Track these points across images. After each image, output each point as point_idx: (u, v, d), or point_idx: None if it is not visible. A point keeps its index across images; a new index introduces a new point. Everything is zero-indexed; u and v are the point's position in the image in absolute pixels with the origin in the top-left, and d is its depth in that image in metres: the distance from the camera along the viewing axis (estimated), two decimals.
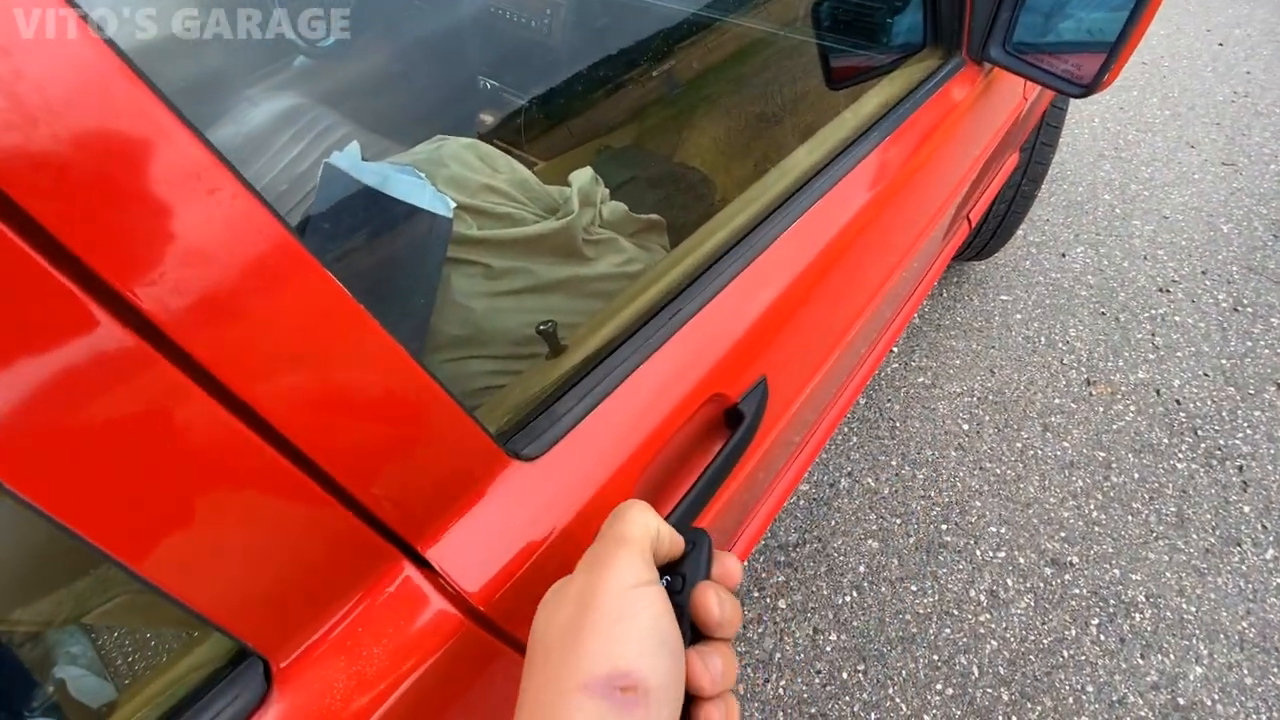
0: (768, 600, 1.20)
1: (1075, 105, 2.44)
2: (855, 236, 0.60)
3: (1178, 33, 2.92)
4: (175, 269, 0.20)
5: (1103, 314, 1.69)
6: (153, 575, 0.22)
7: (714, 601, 0.29)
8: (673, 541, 0.31)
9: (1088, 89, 0.68)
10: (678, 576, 0.30)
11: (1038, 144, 1.35)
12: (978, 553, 1.26)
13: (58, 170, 0.18)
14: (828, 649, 1.15)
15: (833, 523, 1.30)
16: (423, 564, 0.32)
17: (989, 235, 1.51)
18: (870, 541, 1.28)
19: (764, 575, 1.23)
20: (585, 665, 0.24)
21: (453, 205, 0.64)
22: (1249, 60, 2.75)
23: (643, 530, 0.29)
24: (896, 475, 1.37)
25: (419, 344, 0.61)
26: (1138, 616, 1.18)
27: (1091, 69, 0.67)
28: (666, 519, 0.44)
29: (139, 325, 0.20)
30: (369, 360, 0.27)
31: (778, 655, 1.14)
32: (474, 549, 0.33)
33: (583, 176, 0.79)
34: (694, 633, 0.29)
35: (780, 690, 1.10)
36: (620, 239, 0.82)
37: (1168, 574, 1.23)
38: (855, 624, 1.17)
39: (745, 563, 1.24)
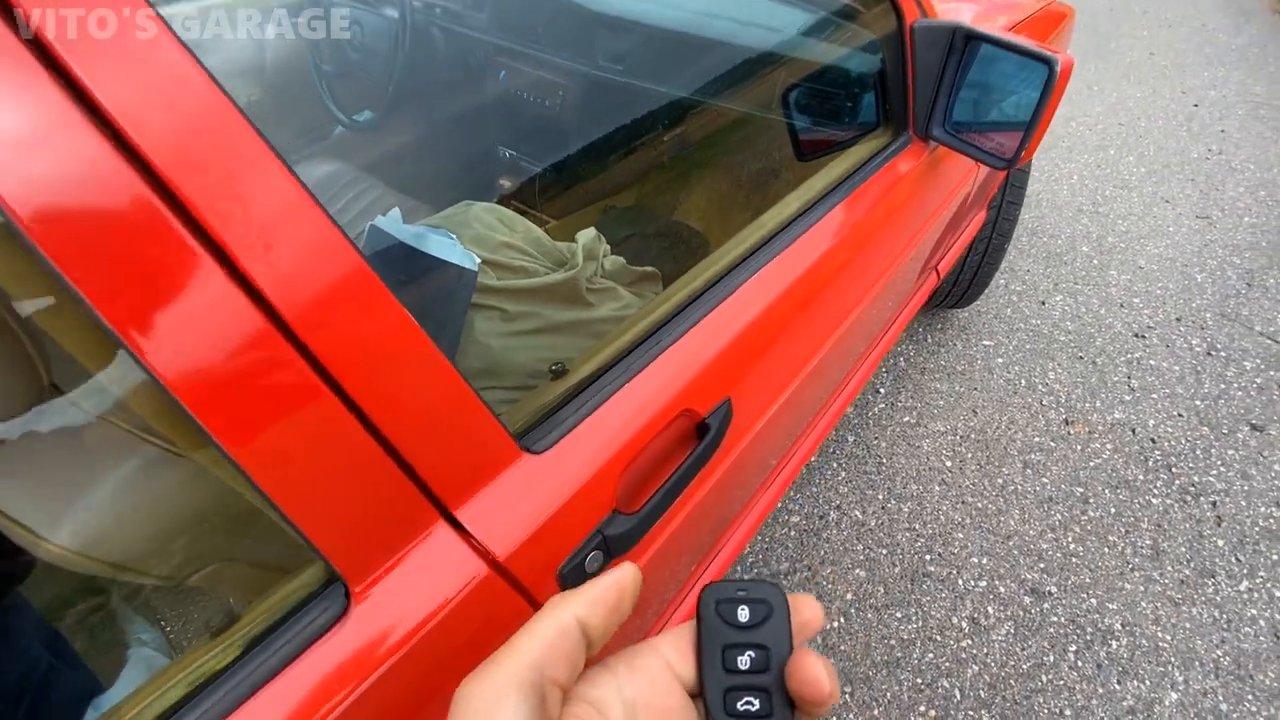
0: None
1: (1056, 164, 2.60)
2: (810, 284, 0.72)
3: (1154, 95, 3.11)
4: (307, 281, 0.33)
5: (1080, 358, 1.78)
6: (280, 501, 0.33)
7: (821, 673, 0.23)
8: (613, 588, 0.24)
9: (1009, 163, 0.81)
10: (760, 651, 0.24)
11: (1004, 202, 1.48)
12: (960, 582, 1.33)
13: (233, 197, 0.30)
14: None
15: (822, 552, 1.38)
16: (456, 525, 0.43)
17: (965, 285, 1.63)
18: (858, 570, 1.35)
19: None
20: None
21: (478, 260, 0.77)
22: (1223, 120, 2.92)
23: (527, 653, 0.22)
24: (883, 508, 1.45)
25: None
26: (1114, 644, 1.24)
27: (1012, 146, 0.80)
28: (645, 518, 0.54)
29: (280, 326, 0.32)
30: (425, 368, 0.39)
31: None
32: (494, 516, 0.44)
33: (586, 235, 0.92)
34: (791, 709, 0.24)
35: None
36: (619, 288, 0.95)
37: (1143, 603, 1.29)
38: (843, 648, 1.24)
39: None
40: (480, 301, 0.83)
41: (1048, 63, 0.73)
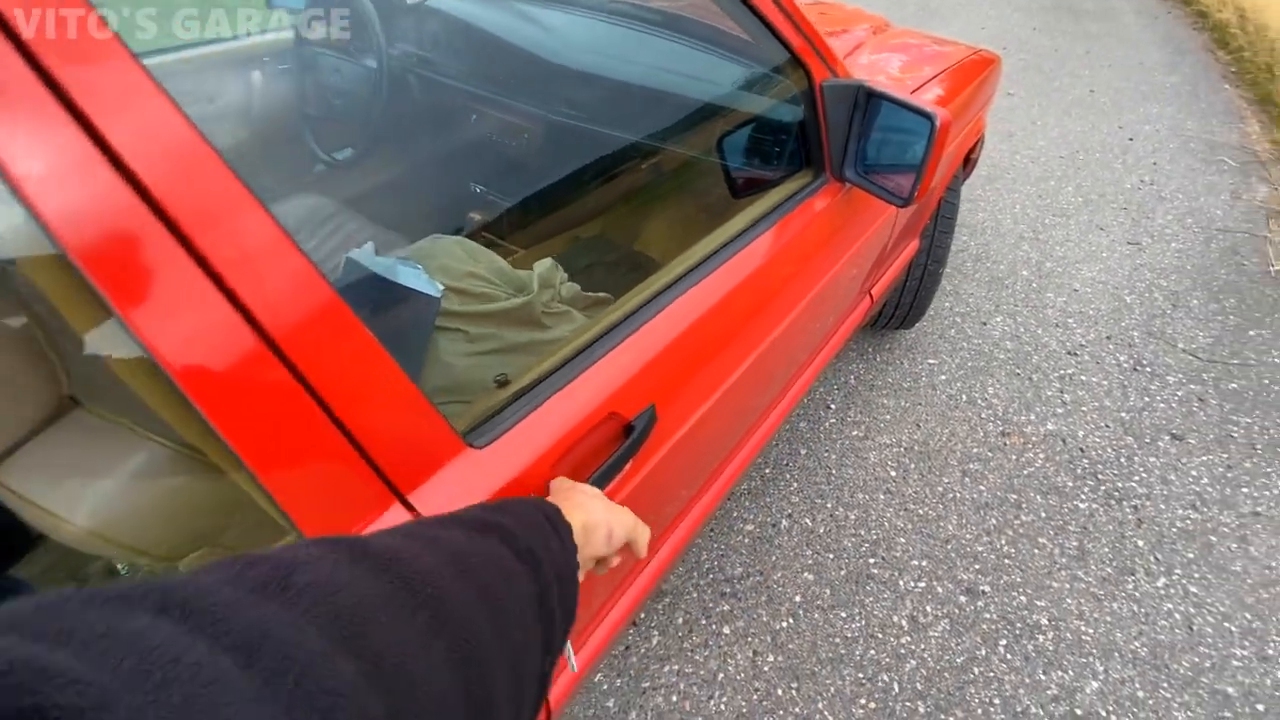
0: (713, 627, 1.35)
1: (1000, 195, 2.78)
2: (734, 306, 0.83)
3: (1093, 130, 3.32)
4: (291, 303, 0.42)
5: (1018, 374, 1.91)
6: (265, 481, 0.43)
7: None
8: None
9: (906, 201, 0.93)
10: None
11: (935, 231, 1.62)
12: (901, 583, 1.42)
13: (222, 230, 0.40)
14: (765, 669, 1.29)
15: (773, 558, 1.47)
16: (407, 505, 0.52)
17: (907, 307, 1.76)
18: (806, 574, 1.44)
19: (710, 604, 1.38)
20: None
21: (441, 289, 0.87)
22: (1156, 153, 3.13)
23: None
24: (831, 516, 1.55)
25: None
26: (1041, 638, 1.34)
27: (907, 186, 0.92)
28: None
29: (266, 340, 0.42)
30: (384, 377, 0.48)
31: (720, 675, 1.28)
32: (440, 498, 0.53)
33: (543, 265, 1.03)
34: None
35: (722, 706, 1.24)
36: (574, 311, 1.05)
37: (1069, 600, 1.40)
38: (791, 647, 1.32)
39: (694, 594, 1.40)
40: (445, 324, 0.93)
41: (929, 118, 0.85)
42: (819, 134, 0.99)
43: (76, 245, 0.34)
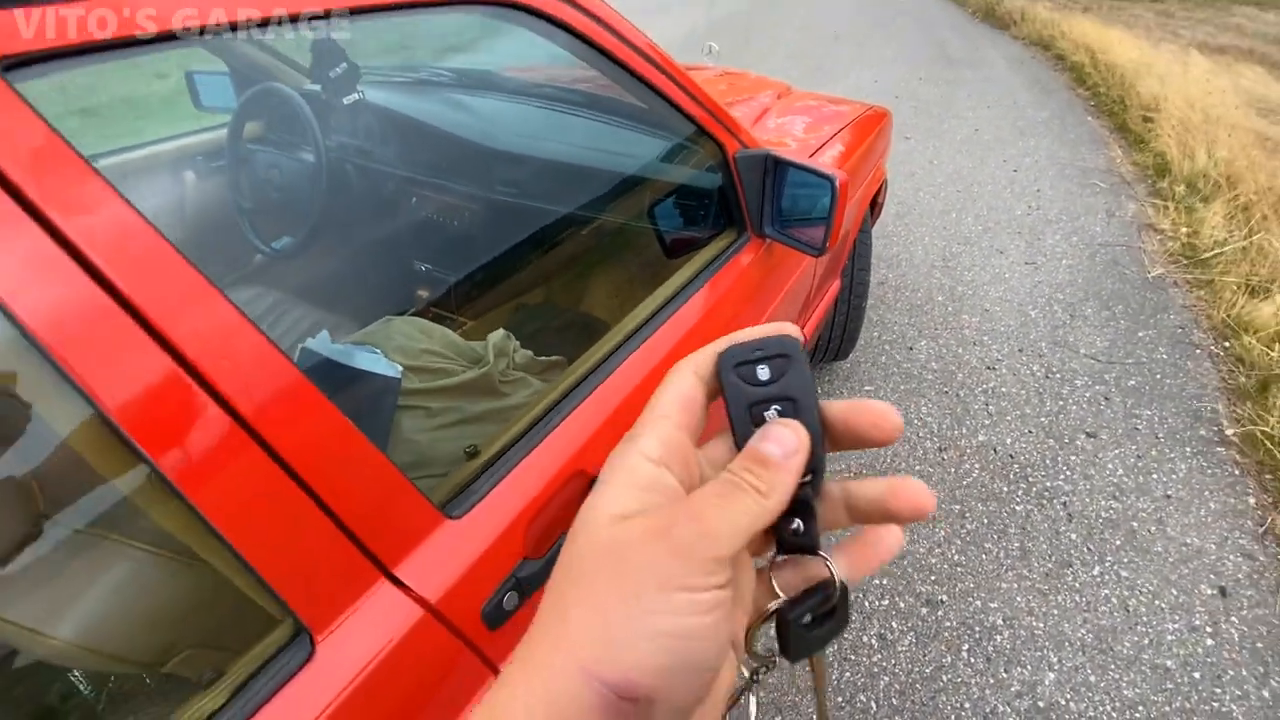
0: None
1: (910, 229, 3.02)
2: (676, 360, 0.91)
3: (982, 164, 3.68)
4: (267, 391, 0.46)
5: (946, 392, 2.06)
6: (260, 567, 0.45)
7: (887, 407, 0.24)
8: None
9: (820, 251, 1.04)
10: (787, 403, 0.25)
11: (855, 269, 1.77)
12: (866, 603, 1.49)
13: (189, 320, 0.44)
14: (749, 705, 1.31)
15: None
16: (395, 580, 0.55)
17: (838, 341, 1.89)
18: None
19: None
20: (579, 643, 0.19)
21: (400, 369, 0.91)
22: (1038, 181, 3.48)
23: (656, 414, 0.24)
24: None
25: None
26: (998, 638, 1.42)
27: (819, 238, 1.04)
28: (550, 561, 0.67)
29: (245, 427, 0.45)
30: (362, 461, 0.52)
31: None
32: (425, 571, 0.56)
33: (496, 335, 1.08)
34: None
35: None
36: (529, 377, 1.10)
37: (1018, 598, 1.49)
38: (770, 680, 1.35)
39: None
40: (406, 403, 0.96)
41: (830, 179, 0.97)
42: (737, 198, 1.09)
43: (51, 341, 0.37)
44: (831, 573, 0.26)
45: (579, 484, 0.73)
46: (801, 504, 0.25)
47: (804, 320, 1.52)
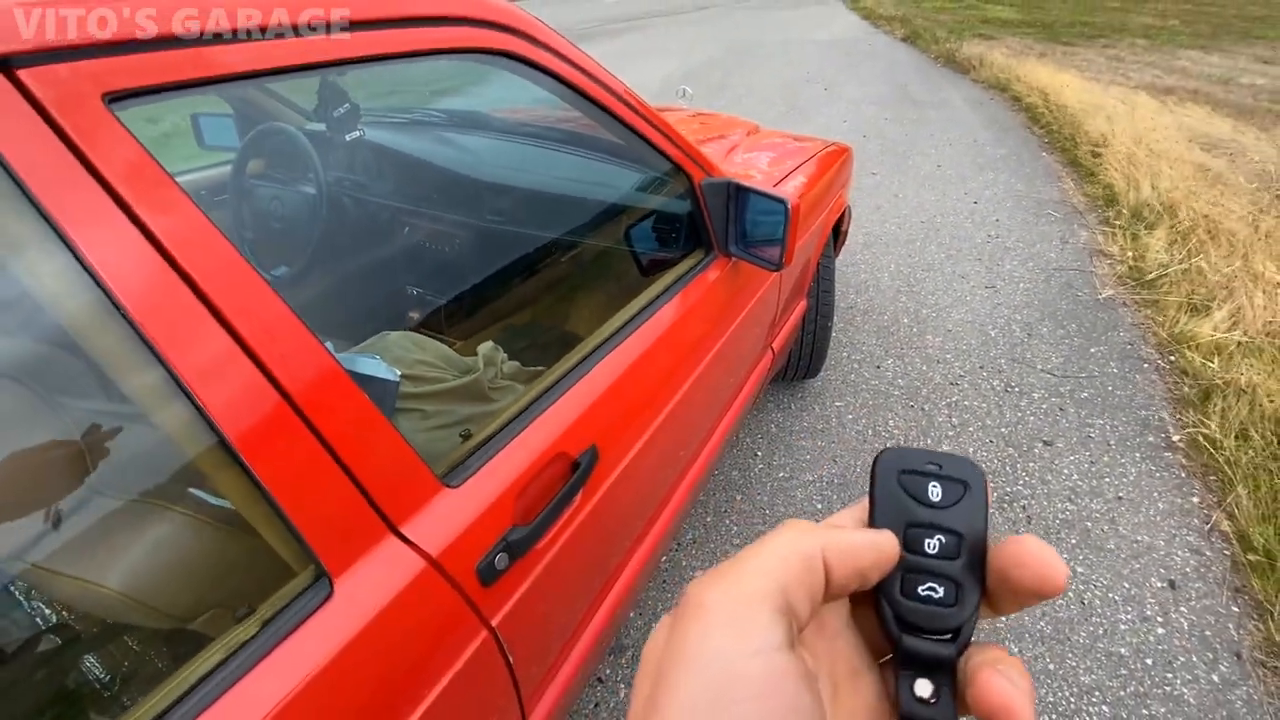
0: None
1: (877, 257, 3.18)
2: (652, 361, 1.01)
3: (944, 197, 3.88)
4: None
5: (912, 406, 2.18)
6: (292, 514, 0.54)
7: (1054, 556, 0.20)
8: (871, 551, 0.21)
9: (778, 266, 1.16)
10: (951, 536, 0.21)
11: (819, 290, 1.90)
12: None
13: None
14: None
15: None
16: (401, 536, 0.63)
17: (808, 358, 2.01)
18: None
19: None
20: None
21: (398, 374, 1.00)
22: (997, 212, 3.68)
23: (772, 572, 0.20)
24: None
25: None
26: None
27: (776, 255, 1.16)
28: (536, 528, 0.77)
29: (287, 401, 0.54)
30: (379, 433, 0.61)
31: None
32: (428, 529, 0.65)
33: (486, 347, 1.18)
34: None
35: None
36: (516, 385, 1.19)
37: None
38: None
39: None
40: (403, 406, 1.05)
41: (782, 202, 1.10)
42: (704, 220, 1.22)
43: (134, 308, 0.47)
44: None
45: (561, 465, 0.82)
46: (937, 664, 0.20)
47: (773, 336, 1.64)
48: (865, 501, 0.24)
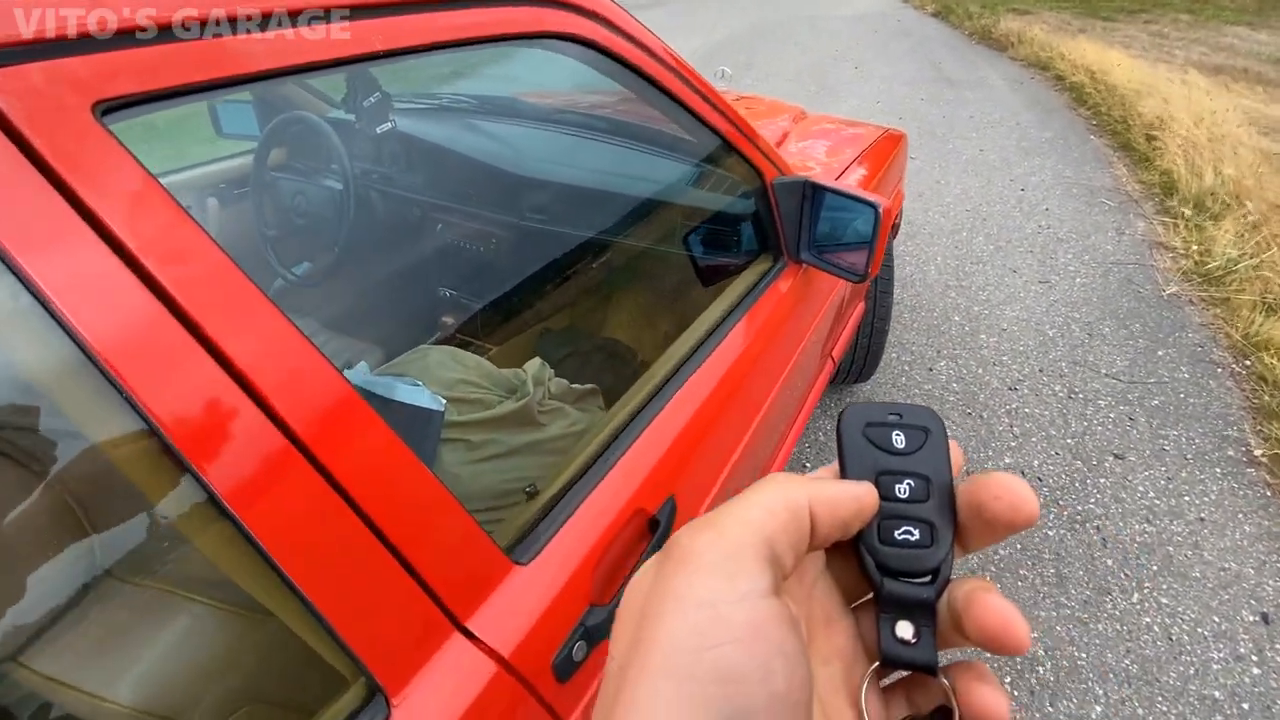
0: None
1: (921, 249, 3.02)
2: (726, 390, 0.89)
3: (989, 184, 3.69)
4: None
5: (969, 414, 2.04)
6: (335, 622, 0.43)
7: (1022, 485, 0.21)
8: (852, 503, 0.21)
9: (862, 277, 1.03)
10: (919, 480, 0.22)
11: (877, 293, 1.76)
12: None
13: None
14: None
15: None
16: (467, 633, 0.52)
17: (861, 363, 1.87)
18: None
19: None
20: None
21: (444, 403, 0.89)
22: (1046, 200, 3.49)
23: (760, 522, 0.20)
24: None
25: None
26: (1041, 669, 1.38)
27: (860, 264, 1.02)
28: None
29: (311, 462, 0.43)
30: (433, 502, 0.50)
31: None
32: (497, 622, 0.54)
33: (534, 365, 1.06)
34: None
35: None
36: (566, 407, 1.08)
37: (1058, 628, 1.46)
38: None
39: None
40: (446, 436, 0.94)
41: (874, 206, 0.96)
42: (774, 224, 1.08)
43: (112, 359, 0.36)
44: (953, 703, 0.21)
45: (639, 524, 0.71)
46: (918, 605, 0.21)
47: (833, 343, 1.51)
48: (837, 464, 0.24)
